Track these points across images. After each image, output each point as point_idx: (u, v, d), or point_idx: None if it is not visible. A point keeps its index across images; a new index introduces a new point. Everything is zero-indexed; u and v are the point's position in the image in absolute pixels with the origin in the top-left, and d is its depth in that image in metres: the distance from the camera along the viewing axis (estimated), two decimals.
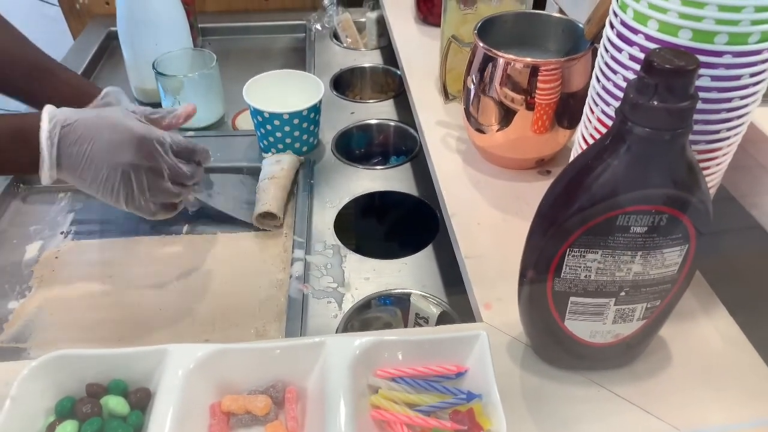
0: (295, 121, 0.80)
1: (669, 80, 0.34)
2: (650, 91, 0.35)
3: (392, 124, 0.94)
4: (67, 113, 0.57)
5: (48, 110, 0.56)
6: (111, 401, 0.42)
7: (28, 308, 0.66)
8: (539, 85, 0.61)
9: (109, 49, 1.19)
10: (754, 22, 0.39)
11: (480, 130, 0.68)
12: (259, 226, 0.75)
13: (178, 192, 0.63)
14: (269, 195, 0.75)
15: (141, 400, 0.43)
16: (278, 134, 0.81)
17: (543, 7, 0.88)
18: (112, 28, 1.15)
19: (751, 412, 0.45)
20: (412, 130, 0.91)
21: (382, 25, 1.16)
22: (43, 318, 0.65)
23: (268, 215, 0.74)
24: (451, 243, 0.64)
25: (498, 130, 0.66)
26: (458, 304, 0.64)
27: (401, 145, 0.94)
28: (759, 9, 0.38)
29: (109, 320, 0.65)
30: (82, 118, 0.56)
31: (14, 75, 0.66)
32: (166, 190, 0.61)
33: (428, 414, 0.43)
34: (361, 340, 0.45)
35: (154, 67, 0.88)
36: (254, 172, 0.84)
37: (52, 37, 1.41)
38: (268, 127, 0.81)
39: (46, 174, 0.56)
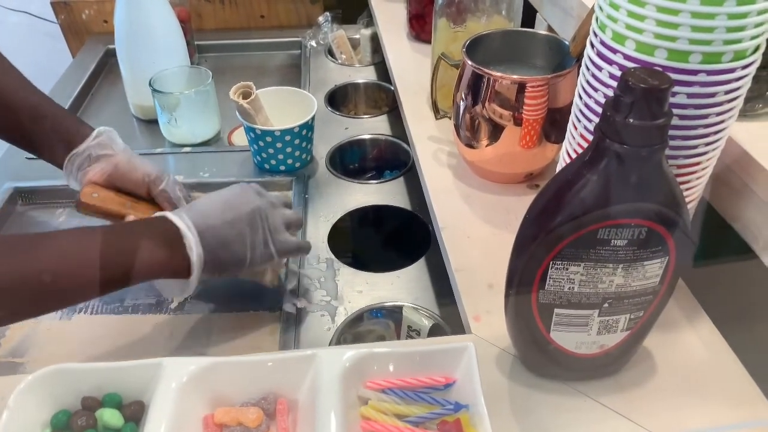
0: (287, 138, 0.82)
1: (644, 99, 0.36)
2: (626, 109, 0.36)
3: (385, 138, 0.96)
4: (194, 220, 0.55)
5: (180, 223, 0.55)
6: (106, 414, 0.43)
7: (26, 323, 0.67)
8: (526, 101, 0.62)
9: (107, 67, 1.21)
10: (726, 42, 0.40)
11: (470, 145, 0.69)
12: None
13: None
14: None
15: (135, 412, 0.44)
16: (270, 150, 0.83)
17: (532, 25, 0.90)
18: (111, 46, 1.17)
19: (733, 419, 0.46)
20: (405, 145, 0.93)
21: (375, 41, 1.17)
22: (41, 333, 0.66)
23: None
24: (442, 256, 0.65)
25: (487, 145, 0.67)
26: (450, 316, 0.65)
27: (394, 159, 0.96)
28: (730, 29, 0.39)
29: (106, 335, 0.65)
30: (210, 227, 0.56)
31: (16, 120, 0.65)
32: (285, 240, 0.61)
33: (417, 424, 0.43)
34: (351, 352, 0.46)
35: (150, 85, 0.90)
36: None
37: (50, 54, 1.43)
38: (261, 143, 0.82)
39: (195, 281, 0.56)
